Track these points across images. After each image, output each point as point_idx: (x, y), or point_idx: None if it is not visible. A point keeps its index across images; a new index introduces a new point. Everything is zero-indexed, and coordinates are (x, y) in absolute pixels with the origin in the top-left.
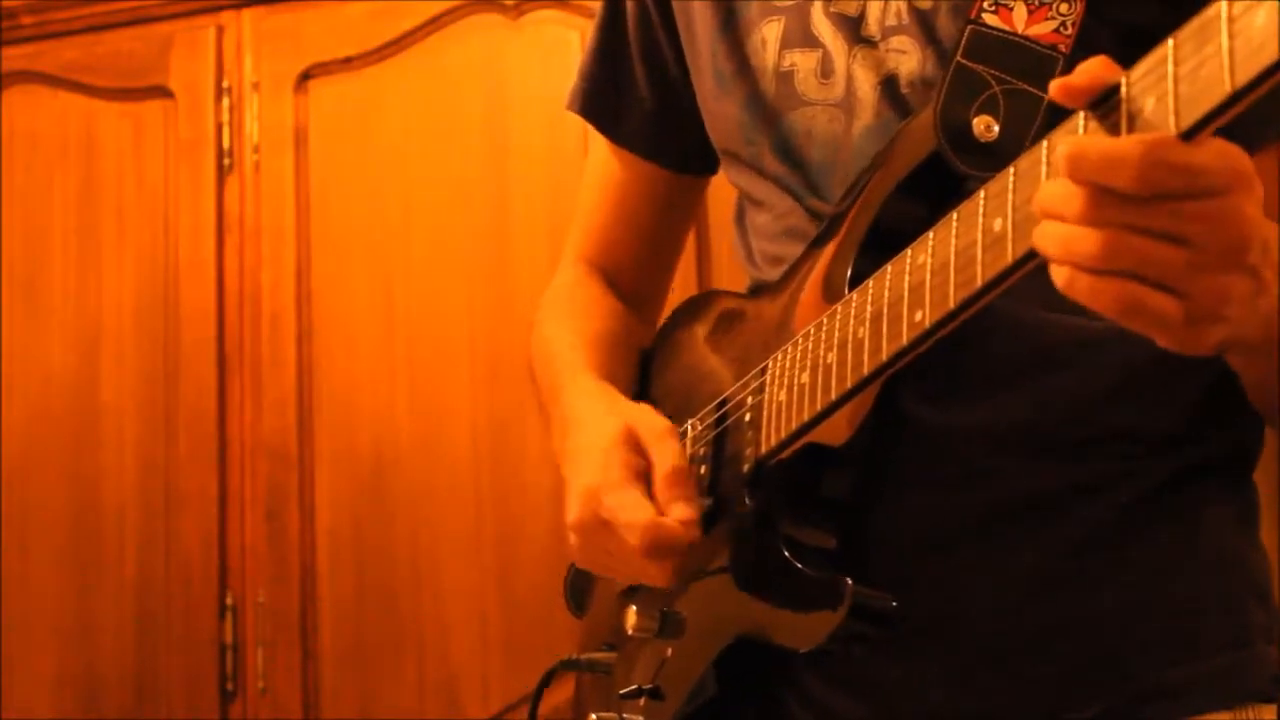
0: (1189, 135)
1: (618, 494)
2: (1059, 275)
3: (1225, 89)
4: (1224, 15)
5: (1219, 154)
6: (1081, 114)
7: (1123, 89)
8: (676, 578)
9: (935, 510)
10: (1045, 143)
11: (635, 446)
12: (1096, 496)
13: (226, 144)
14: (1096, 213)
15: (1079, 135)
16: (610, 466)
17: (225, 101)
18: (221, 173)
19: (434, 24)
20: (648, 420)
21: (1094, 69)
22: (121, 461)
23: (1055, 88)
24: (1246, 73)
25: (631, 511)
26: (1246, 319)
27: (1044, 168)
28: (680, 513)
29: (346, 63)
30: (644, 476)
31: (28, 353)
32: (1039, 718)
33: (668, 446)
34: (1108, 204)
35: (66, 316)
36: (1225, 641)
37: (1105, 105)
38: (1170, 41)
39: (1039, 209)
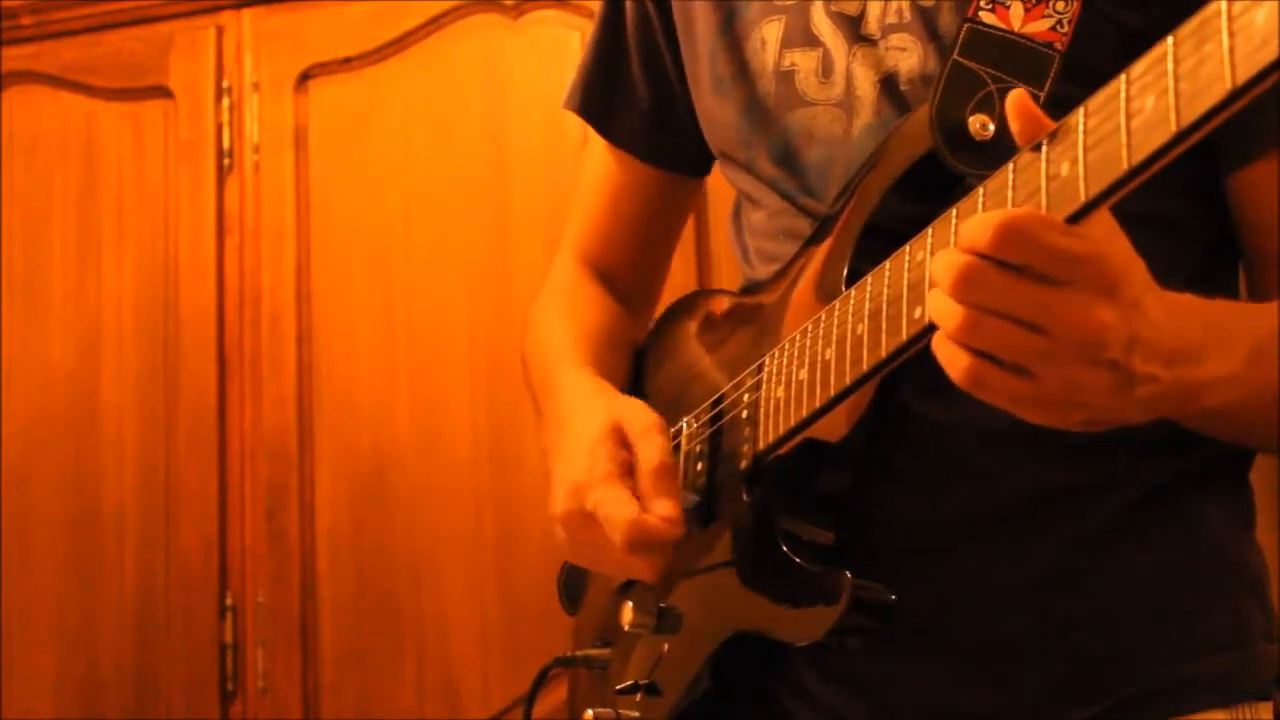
0: (1188, 134)
1: (602, 489)
2: (935, 338)
3: (1226, 86)
4: (1224, 13)
5: (1089, 250)
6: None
7: (1061, 135)
8: (662, 573)
9: (934, 508)
10: (1045, 141)
11: (622, 441)
12: (1095, 497)
13: (226, 144)
14: (963, 288)
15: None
16: (596, 461)
17: (225, 101)
18: (221, 173)
19: (434, 24)
20: (635, 415)
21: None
22: (121, 461)
23: (1015, 99)
24: (1247, 70)
25: (614, 507)
26: (1112, 406)
27: (1044, 164)
28: (663, 509)
29: (346, 63)
30: (630, 471)
31: (28, 353)
32: (1038, 717)
33: (653, 442)
34: (975, 282)
35: (66, 316)
36: (1223, 641)
37: (1049, 147)
38: (1170, 39)
39: (930, 276)
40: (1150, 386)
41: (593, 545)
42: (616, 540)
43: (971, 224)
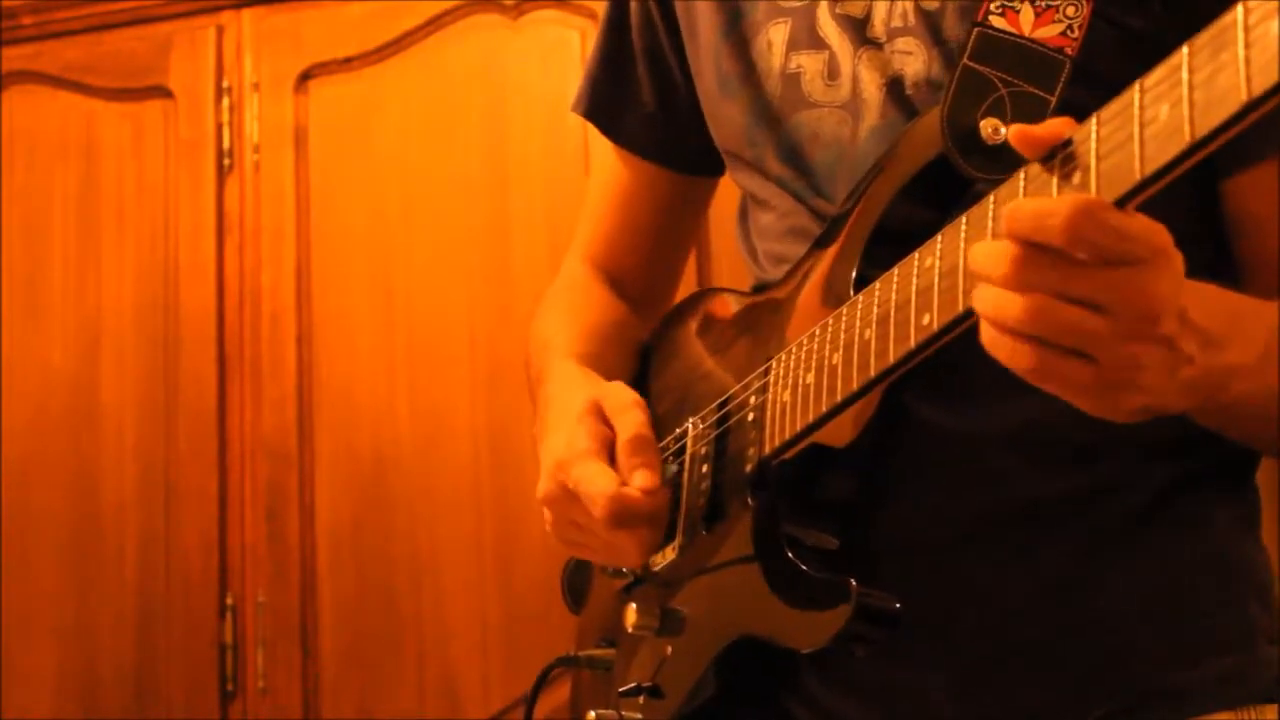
0: (1202, 144)
1: (582, 465)
2: (984, 333)
3: (1241, 97)
4: (1240, 23)
5: (1144, 226)
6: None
7: (1074, 145)
8: (645, 554)
9: (939, 513)
10: (1057, 151)
11: (601, 417)
12: (1101, 500)
13: (226, 144)
14: (1021, 276)
15: (1018, 198)
16: (576, 438)
17: (225, 101)
18: (221, 173)
19: (434, 24)
20: (614, 393)
21: (1055, 126)
22: (121, 461)
23: (1015, 133)
24: (1264, 81)
25: (594, 482)
26: (1164, 388)
27: (1056, 174)
28: (642, 480)
29: (346, 63)
30: (610, 447)
31: (28, 353)
32: None
33: (631, 416)
34: (1032, 269)
35: (66, 316)
36: (1228, 643)
37: (1062, 156)
38: (1185, 49)
39: (972, 269)
40: (1189, 369)
41: (576, 525)
42: (597, 515)
43: (1017, 212)
